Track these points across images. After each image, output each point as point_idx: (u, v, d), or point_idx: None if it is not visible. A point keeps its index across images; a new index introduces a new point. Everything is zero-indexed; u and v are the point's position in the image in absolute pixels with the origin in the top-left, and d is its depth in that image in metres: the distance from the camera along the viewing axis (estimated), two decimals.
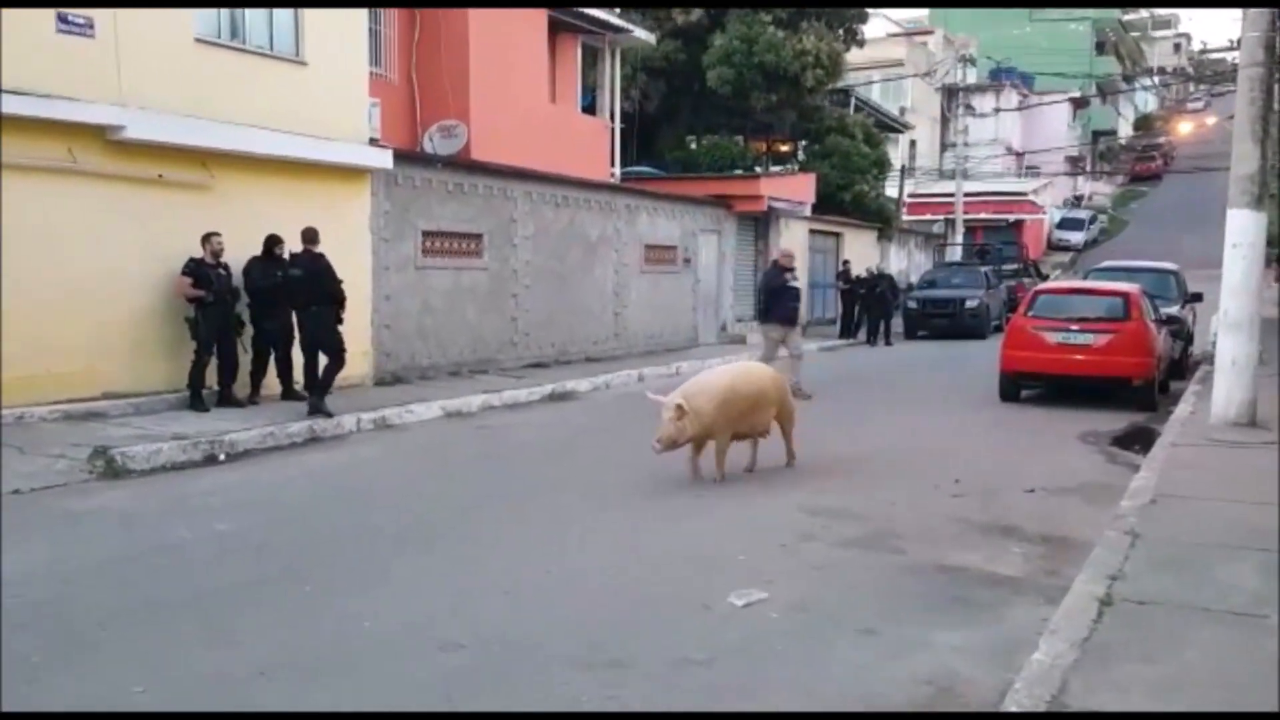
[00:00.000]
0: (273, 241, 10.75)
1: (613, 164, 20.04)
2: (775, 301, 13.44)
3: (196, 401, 10.11)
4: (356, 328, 11.79)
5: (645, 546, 6.09)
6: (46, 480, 7.43)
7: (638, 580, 5.43)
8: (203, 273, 10.10)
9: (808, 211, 24.26)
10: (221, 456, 8.70)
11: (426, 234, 13.76)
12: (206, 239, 10.22)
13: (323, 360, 10.33)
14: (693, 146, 26.70)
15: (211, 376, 10.38)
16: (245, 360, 10.62)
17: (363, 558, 5.80)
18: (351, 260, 11.00)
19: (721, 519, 6.77)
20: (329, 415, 10.00)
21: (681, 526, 6.58)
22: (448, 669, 4.23)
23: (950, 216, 37.20)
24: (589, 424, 11.29)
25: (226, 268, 10.35)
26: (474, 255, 14.67)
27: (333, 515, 6.84)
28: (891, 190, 33.55)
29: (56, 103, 9.16)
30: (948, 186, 38.90)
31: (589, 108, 20.46)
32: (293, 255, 10.36)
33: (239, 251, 10.46)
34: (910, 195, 37.74)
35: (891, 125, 34.95)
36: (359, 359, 12.30)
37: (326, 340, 10.28)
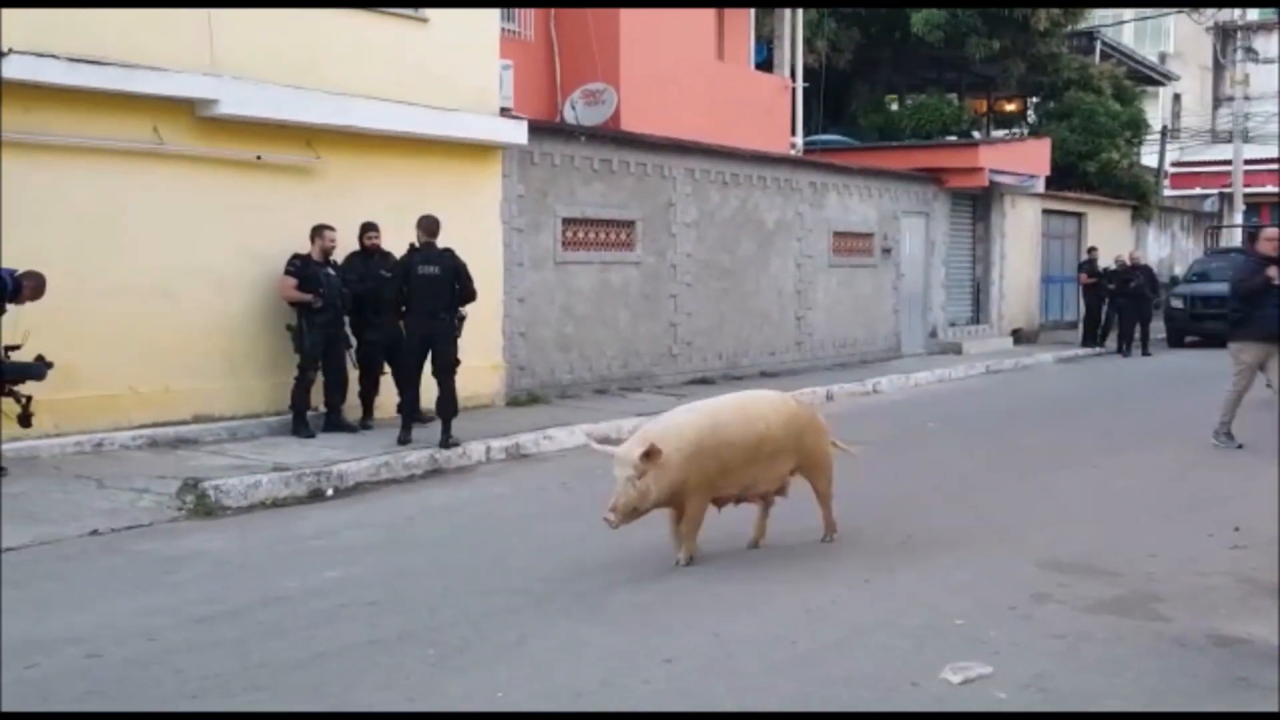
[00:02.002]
0: (365, 230, 11.01)
1: (794, 132, 19.95)
2: (1255, 307, 11.20)
3: (300, 426, 10.44)
4: (485, 337, 12.01)
5: (838, 608, 6.00)
6: (130, 519, 7.78)
7: (827, 650, 5.34)
8: (310, 273, 10.44)
9: (1040, 186, 23.59)
10: (329, 491, 8.96)
11: (568, 222, 13.95)
12: (317, 233, 10.55)
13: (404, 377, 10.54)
14: (894, 108, 26.37)
15: (318, 396, 10.72)
16: (354, 377, 10.90)
17: (495, 616, 5.84)
18: (480, 255, 11.18)
19: (932, 576, 6.61)
20: (456, 444, 10.17)
21: (882, 584, 6.46)
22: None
23: (1227, 190, 35.47)
24: None
25: (337, 267, 10.65)
26: (625, 247, 14.78)
27: (459, 564, 6.93)
28: (1150, 158, 32.28)
29: (139, 73, 9.63)
30: (1223, 152, 37.07)
31: (764, 64, 20.36)
32: (414, 248, 10.43)
33: (349, 247, 10.75)
34: (1174, 164, 36.21)
35: (1149, 76, 33.66)
36: (488, 374, 12.51)
37: (445, 355, 10.36)
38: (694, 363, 15.79)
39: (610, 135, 14.77)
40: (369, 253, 11.03)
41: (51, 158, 9.33)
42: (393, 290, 10.35)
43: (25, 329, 8.42)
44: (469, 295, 10.45)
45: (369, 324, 10.90)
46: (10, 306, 8.39)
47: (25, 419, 8.35)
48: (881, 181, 19.88)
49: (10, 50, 8.77)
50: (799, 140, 20.22)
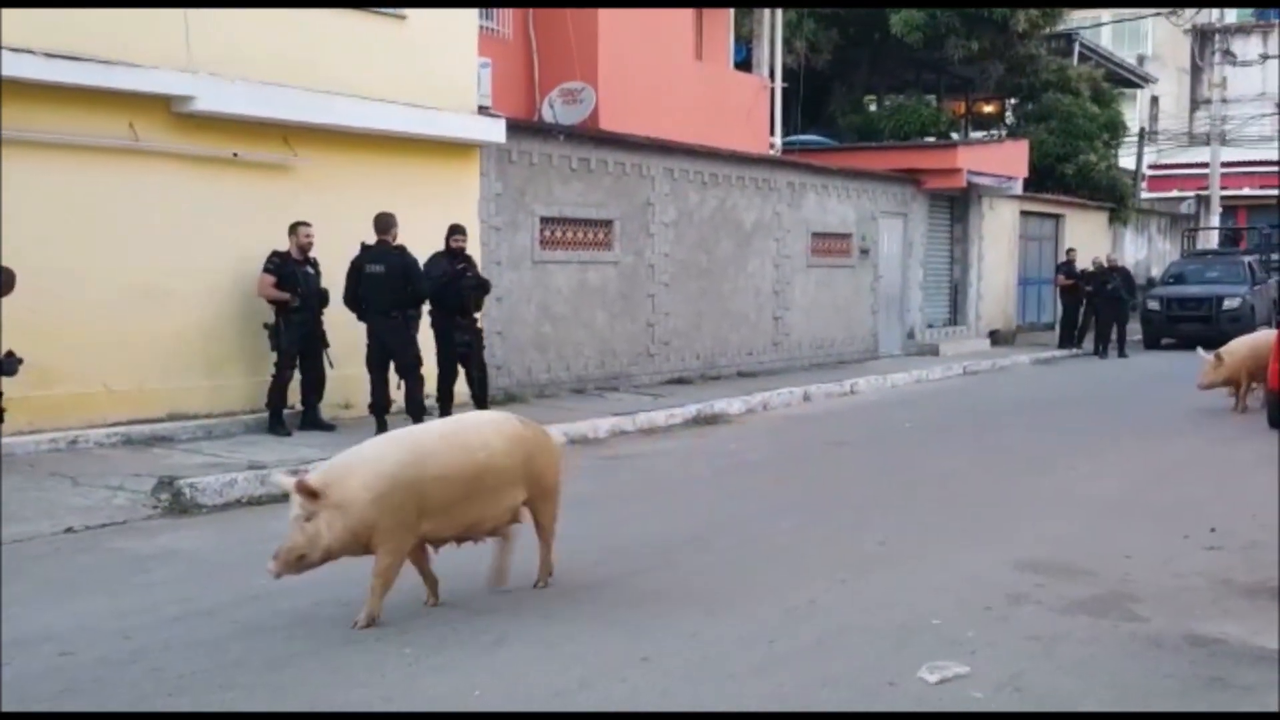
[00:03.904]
0: (452, 232, 11.25)
1: (773, 132, 19.99)
2: None
3: (277, 424, 10.45)
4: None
5: (815, 609, 6.03)
6: (105, 516, 7.77)
7: (805, 650, 5.38)
8: (288, 270, 10.44)
9: (1018, 188, 23.73)
10: None
11: (546, 221, 13.97)
12: (294, 230, 10.56)
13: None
14: (872, 109, 26.44)
15: (295, 395, 10.72)
16: (331, 375, 10.90)
17: (472, 617, 5.86)
18: (431, 255, 11.18)
19: (909, 576, 6.66)
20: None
21: (859, 584, 6.50)
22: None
23: (1204, 193, 35.76)
24: (743, 455, 11.22)
25: (315, 264, 10.66)
26: (602, 247, 14.82)
27: (434, 564, 6.91)
28: (1127, 161, 32.47)
29: (115, 69, 9.61)
30: (1200, 155, 37.37)
31: (743, 64, 20.43)
32: (365, 247, 10.59)
33: (326, 244, 10.74)
34: (1151, 166, 36.46)
35: (1127, 78, 33.84)
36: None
37: (403, 354, 10.49)
38: (671, 363, 15.83)
39: (589, 134, 14.78)
40: (453, 254, 11.10)
41: (26, 153, 9.28)
42: (346, 289, 10.61)
43: None
44: (417, 295, 10.55)
45: (457, 325, 11.03)
46: None
47: None
48: (860, 182, 19.94)
49: None
50: (778, 140, 20.26)
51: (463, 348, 11.19)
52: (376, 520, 5.41)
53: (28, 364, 8.38)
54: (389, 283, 10.43)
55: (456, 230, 11.38)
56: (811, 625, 5.74)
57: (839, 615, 5.89)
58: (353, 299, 10.62)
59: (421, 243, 10.87)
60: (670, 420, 12.85)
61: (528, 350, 13.74)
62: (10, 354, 8.25)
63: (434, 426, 6.28)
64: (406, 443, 5.74)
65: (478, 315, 11.39)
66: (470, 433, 5.95)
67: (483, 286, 11.42)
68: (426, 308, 10.98)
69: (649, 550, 7.27)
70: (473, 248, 12.67)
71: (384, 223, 10.57)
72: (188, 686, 4.82)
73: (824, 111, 26.29)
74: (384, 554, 5.52)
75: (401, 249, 10.51)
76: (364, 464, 5.50)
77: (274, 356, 10.50)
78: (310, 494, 5.26)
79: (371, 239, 10.64)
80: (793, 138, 22.20)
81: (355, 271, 10.56)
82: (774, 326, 17.89)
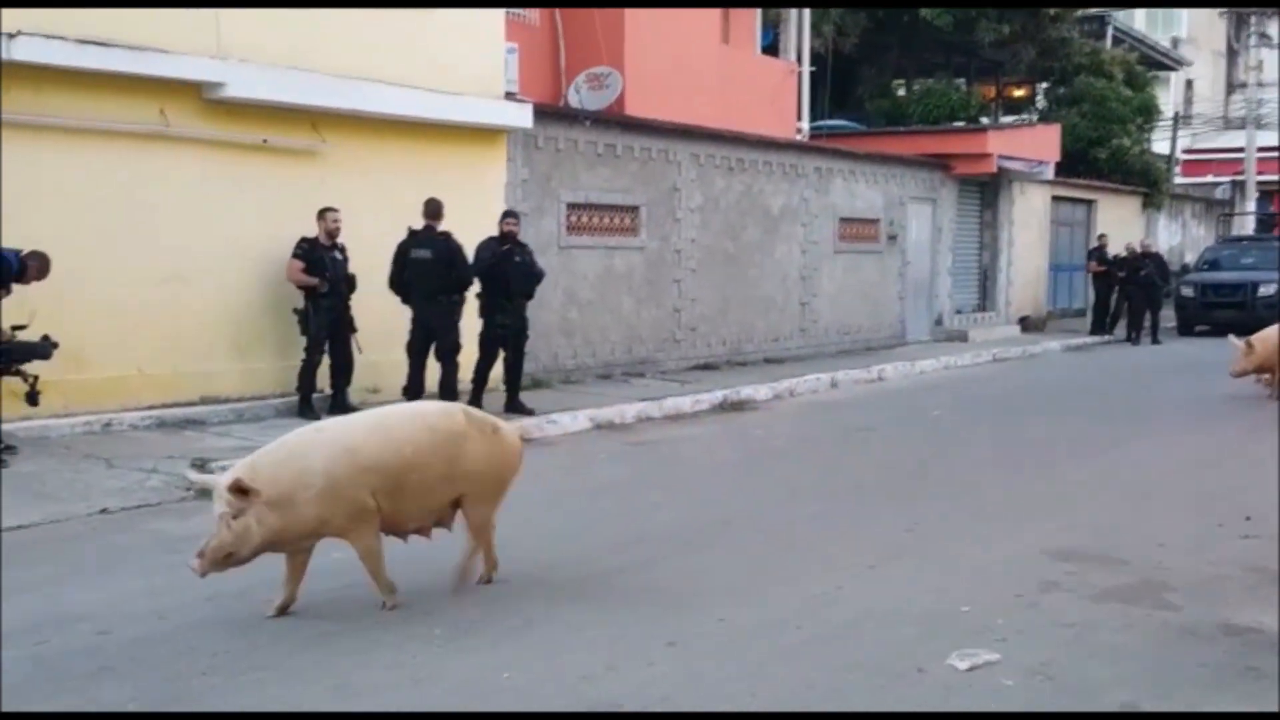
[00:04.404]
0: (504, 216, 11.46)
1: (800, 117, 19.97)
2: None
3: (306, 408, 10.58)
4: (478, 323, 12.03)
5: (843, 595, 6.07)
6: (139, 498, 7.91)
7: (832, 635, 5.43)
8: (316, 256, 10.56)
9: (1050, 173, 23.60)
10: None
11: (572, 207, 14.03)
12: (322, 215, 10.68)
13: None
14: (901, 93, 26.32)
15: (324, 379, 10.85)
16: (359, 359, 11.03)
17: (500, 600, 5.95)
18: (479, 239, 11.29)
19: (938, 563, 6.69)
20: None
21: (888, 571, 6.54)
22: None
23: (1239, 178, 35.43)
24: (769, 441, 11.29)
25: (343, 250, 10.79)
26: (629, 232, 14.87)
27: (455, 548, 7.01)
28: (1161, 145, 32.23)
29: (146, 55, 9.73)
30: (1236, 139, 37.00)
31: (770, 48, 20.41)
32: (411, 232, 10.72)
33: (354, 229, 10.86)
34: (1186, 151, 36.16)
35: (1161, 62, 33.58)
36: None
37: (445, 339, 10.62)
38: (698, 349, 15.87)
39: (615, 120, 14.81)
40: (504, 239, 11.23)
41: (59, 139, 9.43)
42: (391, 274, 10.69)
43: (31, 309, 8.54)
44: (463, 280, 10.68)
45: (500, 308, 11.16)
46: (15, 287, 8.52)
47: (33, 398, 8.48)
48: (888, 167, 19.89)
49: (19, 32, 8.88)
50: (806, 125, 20.23)
51: (502, 330, 11.31)
52: (329, 517, 5.37)
53: (63, 348, 8.54)
54: (435, 268, 10.57)
55: (508, 215, 11.57)
56: (838, 611, 5.78)
57: (866, 602, 5.92)
58: (398, 283, 10.73)
59: (448, 227, 10.94)
60: (697, 406, 12.90)
61: (554, 336, 13.82)
62: (46, 338, 8.41)
63: (361, 418, 5.98)
64: (335, 436, 5.60)
65: (526, 302, 11.50)
66: (399, 427, 5.76)
67: (533, 275, 11.51)
68: (473, 291, 11.09)
69: (675, 536, 7.33)
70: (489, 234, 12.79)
71: (433, 208, 10.74)
72: (220, 666, 4.93)
73: (852, 96, 26.19)
74: (356, 540, 5.55)
75: (447, 234, 10.65)
76: (292, 459, 5.39)
77: (303, 341, 10.62)
78: (242, 492, 5.15)
79: (392, 222, 10.77)
80: (820, 122, 22.12)
81: (401, 256, 10.68)
82: (801, 312, 17.89)
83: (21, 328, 8.40)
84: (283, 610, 5.55)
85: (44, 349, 8.42)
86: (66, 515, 7.38)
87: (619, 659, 5.08)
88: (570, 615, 5.72)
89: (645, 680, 4.82)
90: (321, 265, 10.58)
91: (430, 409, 6.12)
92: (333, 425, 5.86)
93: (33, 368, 8.46)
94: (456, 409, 6.07)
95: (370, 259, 10.79)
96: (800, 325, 17.86)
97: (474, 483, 5.87)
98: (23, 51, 8.92)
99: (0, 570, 4.93)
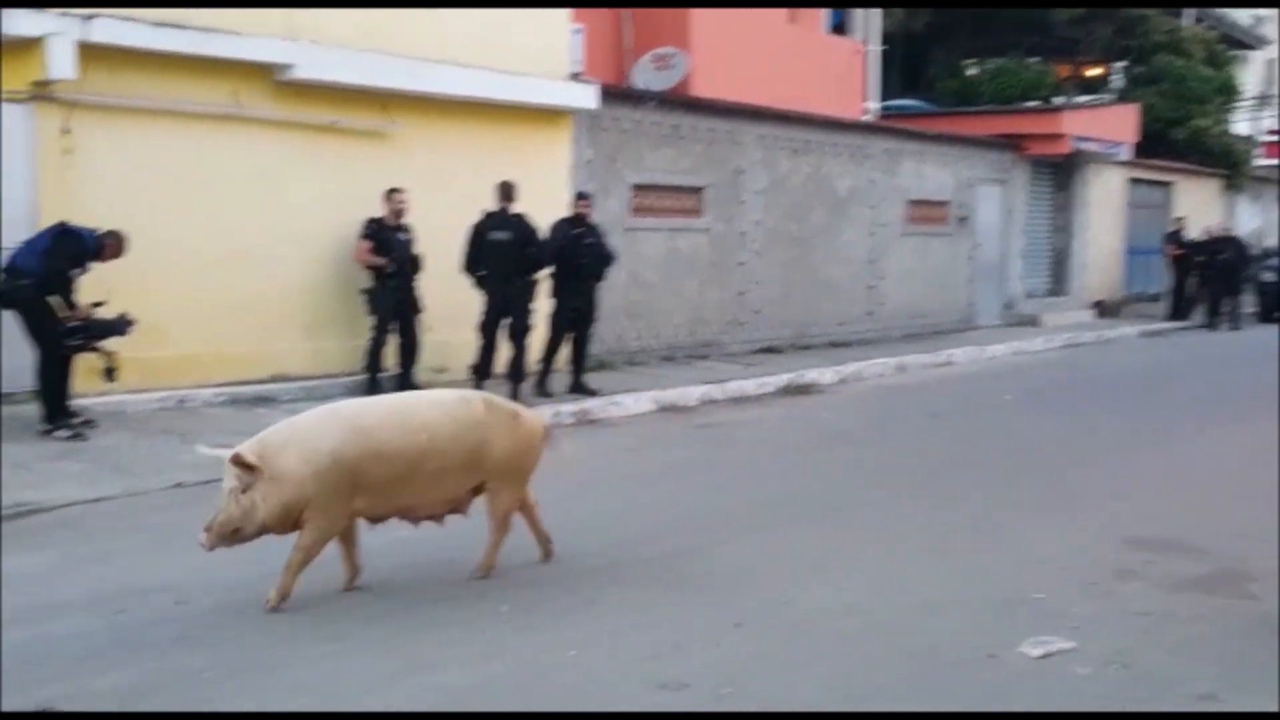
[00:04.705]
0: (578, 198, 11.59)
1: (868, 98, 19.84)
2: None
3: (373, 387, 10.72)
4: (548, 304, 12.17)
5: (911, 580, 6.09)
6: (212, 473, 8.06)
7: (900, 620, 5.45)
8: (383, 236, 10.72)
9: (1126, 154, 23.24)
10: None
11: (637, 188, 14.08)
12: (388, 196, 10.84)
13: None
14: (972, 73, 26.05)
15: (391, 359, 11.02)
16: (426, 339, 11.19)
17: (565, 579, 6.04)
18: (547, 221, 11.40)
19: (1010, 549, 6.68)
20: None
21: (958, 556, 6.54)
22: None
23: None
24: (835, 425, 11.28)
25: (409, 230, 10.95)
26: (693, 214, 14.90)
27: (520, 527, 7.09)
28: (1243, 126, 31.59)
29: (219, 37, 9.90)
30: None
31: (838, 28, 20.29)
32: (488, 214, 10.84)
33: (420, 210, 11.02)
34: (1269, 133, 35.38)
35: (1242, 40, 32.89)
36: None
37: (519, 320, 10.77)
38: (762, 331, 15.87)
39: (680, 100, 14.81)
40: (577, 220, 11.38)
41: (135, 120, 9.66)
42: (467, 255, 10.78)
43: (108, 287, 8.79)
44: (541, 261, 10.81)
45: (571, 290, 11.30)
46: (93, 265, 8.76)
47: (110, 374, 8.72)
48: (958, 148, 19.71)
49: (97, 14, 9.12)
50: (874, 105, 20.13)
51: (573, 312, 11.44)
52: (311, 495, 5.27)
53: (139, 325, 8.77)
54: (513, 249, 10.69)
55: (581, 196, 11.68)
56: (907, 596, 5.79)
57: (935, 587, 5.93)
58: (473, 264, 10.85)
59: (513, 208, 11.07)
60: (761, 389, 12.91)
61: (618, 317, 13.89)
62: (123, 315, 8.64)
63: (378, 402, 6.00)
64: (348, 417, 5.54)
65: (596, 284, 11.62)
66: (414, 413, 5.70)
67: (604, 257, 11.61)
68: (544, 272, 11.22)
69: (741, 518, 7.38)
70: (562, 213, 12.88)
71: (507, 190, 10.84)
72: (293, 638, 5.07)
73: (922, 76, 25.99)
74: (311, 529, 5.36)
75: (522, 216, 10.76)
76: (301, 437, 5.36)
77: (370, 321, 10.80)
78: (246, 466, 5.15)
79: (458, 203, 10.88)
80: (889, 103, 22.02)
81: (478, 237, 10.78)
82: (867, 296, 17.81)
83: (99, 305, 8.64)
84: (349, 584, 5.67)
85: (121, 326, 8.65)
86: (143, 489, 7.60)
87: (684, 639, 5.14)
88: (635, 595, 5.79)
89: (711, 661, 4.87)
90: (388, 245, 10.74)
91: (449, 397, 6.05)
92: (348, 407, 5.80)
93: (110, 345, 8.71)
94: (476, 397, 6.01)
95: (436, 239, 10.93)
96: (866, 309, 17.78)
97: (495, 471, 5.84)
98: (100, 33, 9.14)
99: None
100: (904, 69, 25.03)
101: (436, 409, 5.77)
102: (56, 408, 8.59)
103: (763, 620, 5.41)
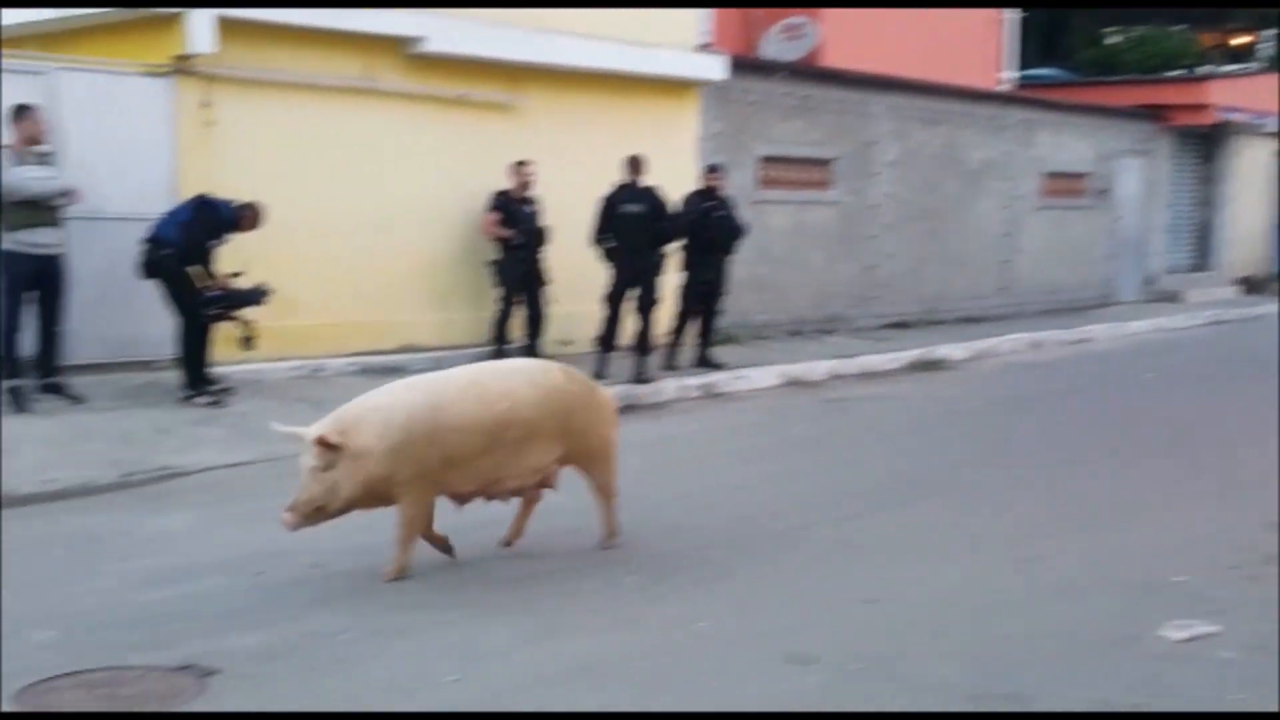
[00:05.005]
0: (709, 171, 11.58)
1: (1005, 67, 19.43)
2: None
3: (499, 358, 10.84)
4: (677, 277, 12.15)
5: (1049, 561, 5.97)
6: None
7: (1037, 600, 5.36)
8: (510, 209, 10.80)
9: (1275, 125, 22.34)
10: None
11: (765, 160, 13.99)
12: (515, 169, 10.92)
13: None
14: (1113, 41, 25.33)
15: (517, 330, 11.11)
16: (551, 312, 11.24)
17: (693, 551, 6.05)
18: (675, 193, 11.34)
19: (1151, 531, 6.52)
20: (650, 380, 10.53)
21: (1097, 538, 6.40)
22: (799, 686, 4.36)
23: None
24: (967, 402, 11.12)
25: (535, 202, 11.01)
26: (821, 187, 14.76)
27: (655, 498, 7.13)
28: None
29: (352, 12, 10.06)
30: None
31: None
32: (619, 186, 10.83)
33: (546, 182, 11.06)
34: None
35: None
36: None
37: (648, 293, 10.75)
38: (891, 306, 15.65)
39: (810, 71, 14.69)
40: (708, 193, 11.40)
41: (271, 93, 9.86)
42: (597, 227, 10.79)
43: (246, 258, 9.00)
44: (672, 234, 10.77)
45: (702, 263, 11.31)
46: (231, 236, 8.99)
47: (248, 343, 8.95)
48: (1098, 119, 19.18)
49: None
50: (1010, 76, 19.70)
51: (704, 285, 11.40)
52: (393, 472, 5.24)
53: (275, 295, 8.98)
54: (645, 222, 10.67)
55: (712, 169, 11.65)
56: (1044, 575, 5.69)
57: (1072, 568, 5.82)
58: (602, 236, 10.82)
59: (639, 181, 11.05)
60: (890, 364, 12.77)
61: (744, 291, 13.77)
62: (260, 285, 8.85)
63: (457, 374, 5.80)
64: (423, 392, 5.49)
65: (727, 257, 11.58)
66: (494, 383, 5.61)
67: (734, 229, 11.55)
68: (676, 245, 11.19)
69: (870, 493, 7.32)
70: (689, 187, 12.82)
71: (638, 164, 10.79)
72: (426, 603, 5.16)
73: (1060, 45, 25.34)
74: (406, 505, 5.37)
75: (654, 189, 10.74)
76: (377, 413, 5.32)
77: (497, 292, 10.91)
78: (329, 446, 5.14)
79: (584, 175, 10.91)
80: (1027, 72, 21.51)
81: (609, 209, 10.76)
82: (1001, 270, 17.46)
83: (237, 275, 8.86)
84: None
85: (258, 296, 8.86)
86: (279, 454, 7.73)
87: (814, 613, 5.12)
88: (764, 569, 5.78)
89: (841, 636, 4.84)
90: (515, 218, 10.81)
91: (530, 364, 6.04)
92: (423, 380, 5.73)
93: (248, 314, 8.92)
94: (555, 366, 5.97)
95: (562, 212, 10.97)
96: (1000, 283, 17.45)
97: (578, 440, 5.76)
98: (239, 8, 9.34)
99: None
100: (1042, 37, 24.40)
101: (518, 376, 5.74)
102: (197, 375, 8.85)
103: (894, 597, 5.36)
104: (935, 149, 16.21)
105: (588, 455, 5.86)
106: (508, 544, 5.93)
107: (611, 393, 6.14)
